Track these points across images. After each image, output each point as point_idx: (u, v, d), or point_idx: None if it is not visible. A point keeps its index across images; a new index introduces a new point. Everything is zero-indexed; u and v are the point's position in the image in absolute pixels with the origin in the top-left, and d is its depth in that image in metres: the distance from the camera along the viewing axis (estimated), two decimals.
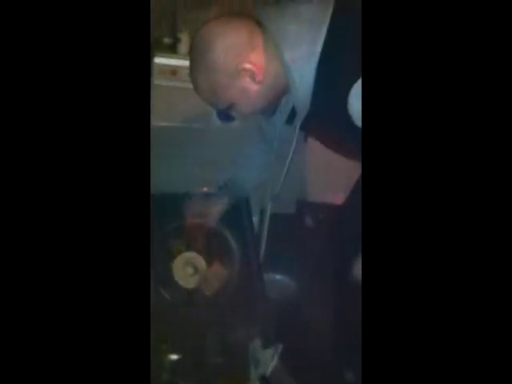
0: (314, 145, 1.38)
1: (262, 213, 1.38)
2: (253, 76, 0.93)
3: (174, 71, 1.95)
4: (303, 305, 1.43)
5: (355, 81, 0.83)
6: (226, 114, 2.09)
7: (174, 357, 1.17)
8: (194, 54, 0.97)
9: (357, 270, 1.19)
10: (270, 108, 1.03)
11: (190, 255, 1.32)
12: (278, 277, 1.57)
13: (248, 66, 0.92)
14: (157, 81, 1.97)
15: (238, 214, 1.39)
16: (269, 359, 1.09)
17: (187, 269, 1.30)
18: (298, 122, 1.01)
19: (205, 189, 1.46)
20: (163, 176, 2.10)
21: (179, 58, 1.95)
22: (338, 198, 1.59)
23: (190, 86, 1.90)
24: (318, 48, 0.86)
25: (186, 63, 1.87)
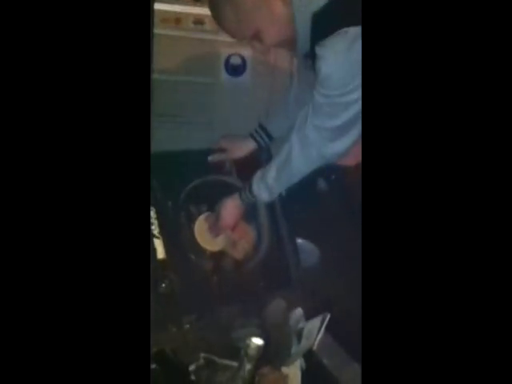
0: None
1: None
2: None
3: (177, 19, 1.70)
4: (333, 270, 1.23)
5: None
6: (234, 67, 1.89)
7: (203, 329, 0.98)
8: None
9: None
10: (293, 38, 0.87)
11: (212, 215, 1.11)
12: (299, 241, 1.38)
13: None
14: (158, 30, 1.71)
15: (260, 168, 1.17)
16: (315, 331, 0.89)
17: (210, 230, 1.10)
18: (298, 54, 0.92)
19: None
20: (167, 133, 1.89)
21: (183, 4, 1.69)
22: (350, 158, 1.43)
23: (196, 35, 1.71)
24: None
25: (191, 10, 1.68)
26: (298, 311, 0.94)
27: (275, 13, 0.83)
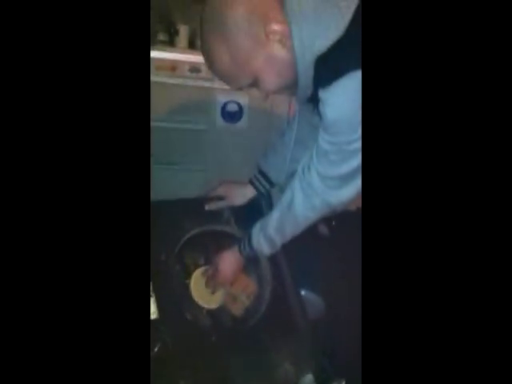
0: None
1: None
2: (282, 40, 0.72)
3: (173, 66, 1.67)
4: (341, 321, 1.12)
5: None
6: (231, 114, 1.86)
7: None
8: (209, 22, 0.74)
9: None
10: (294, 83, 0.79)
11: (209, 269, 1.01)
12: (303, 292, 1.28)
13: (277, 27, 0.71)
14: (154, 77, 1.68)
15: (261, 216, 1.08)
16: None
17: (207, 286, 0.99)
18: (299, 98, 0.84)
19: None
20: (163, 181, 1.82)
21: (178, 52, 1.67)
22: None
23: (192, 82, 1.68)
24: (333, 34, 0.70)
25: (186, 57, 1.65)
26: (309, 378, 0.81)
27: (275, 59, 0.74)
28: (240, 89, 0.81)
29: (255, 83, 0.78)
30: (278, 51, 0.73)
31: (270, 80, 0.77)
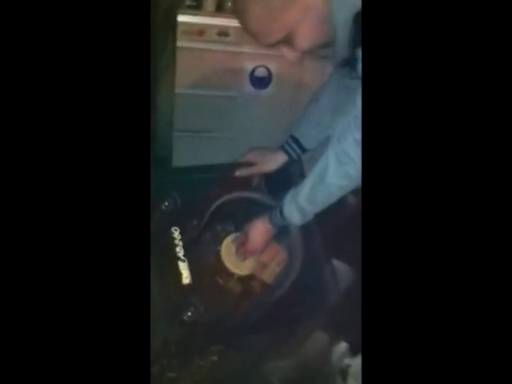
0: None
1: None
2: None
3: (200, 31, 1.62)
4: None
5: None
6: (259, 79, 1.80)
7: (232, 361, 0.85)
8: None
9: None
10: (330, 41, 0.74)
11: (239, 237, 0.99)
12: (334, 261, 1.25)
13: None
14: (181, 42, 1.64)
15: (292, 183, 1.05)
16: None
17: (237, 254, 0.98)
18: (334, 60, 0.81)
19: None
20: (190, 148, 1.80)
21: (206, 15, 1.62)
22: None
23: (220, 47, 1.63)
24: None
25: (214, 21, 1.60)
26: (342, 345, 0.80)
27: (311, 10, 0.69)
28: (272, 46, 0.76)
29: (288, 39, 0.73)
30: (315, 2, 0.69)
31: (306, 35, 0.72)
